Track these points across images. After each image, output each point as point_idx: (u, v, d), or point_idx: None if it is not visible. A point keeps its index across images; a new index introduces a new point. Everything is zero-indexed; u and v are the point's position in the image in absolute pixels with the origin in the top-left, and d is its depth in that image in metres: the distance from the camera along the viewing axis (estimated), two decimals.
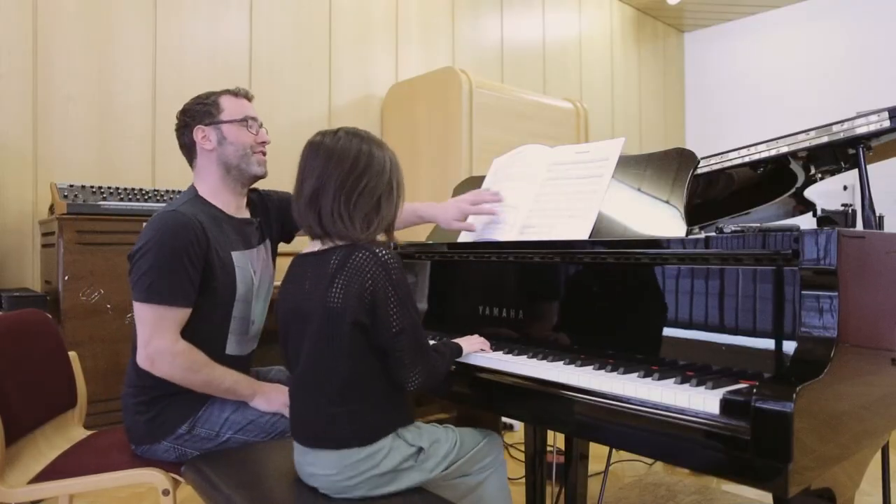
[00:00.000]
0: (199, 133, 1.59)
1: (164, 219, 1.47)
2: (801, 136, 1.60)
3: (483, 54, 4.45)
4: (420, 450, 1.28)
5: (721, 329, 1.15)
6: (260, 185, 1.73)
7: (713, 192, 1.97)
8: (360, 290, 1.20)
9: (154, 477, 1.47)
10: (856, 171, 1.57)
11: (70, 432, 1.71)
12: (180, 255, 1.44)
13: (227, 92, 1.64)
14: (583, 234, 1.47)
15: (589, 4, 5.27)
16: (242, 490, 1.29)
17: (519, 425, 3.19)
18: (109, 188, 2.53)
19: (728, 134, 5.73)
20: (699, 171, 1.78)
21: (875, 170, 1.63)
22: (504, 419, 3.04)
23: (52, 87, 2.73)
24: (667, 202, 1.41)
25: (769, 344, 1.08)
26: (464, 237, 1.78)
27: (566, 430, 1.43)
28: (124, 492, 2.34)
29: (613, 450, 1.79)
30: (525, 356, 1.38)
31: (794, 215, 2.10)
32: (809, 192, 1.99)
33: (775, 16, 5.66)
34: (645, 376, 1.15)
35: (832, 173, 1.85)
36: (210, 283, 1.50)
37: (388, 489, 1.25)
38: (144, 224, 1.51)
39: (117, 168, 2.90)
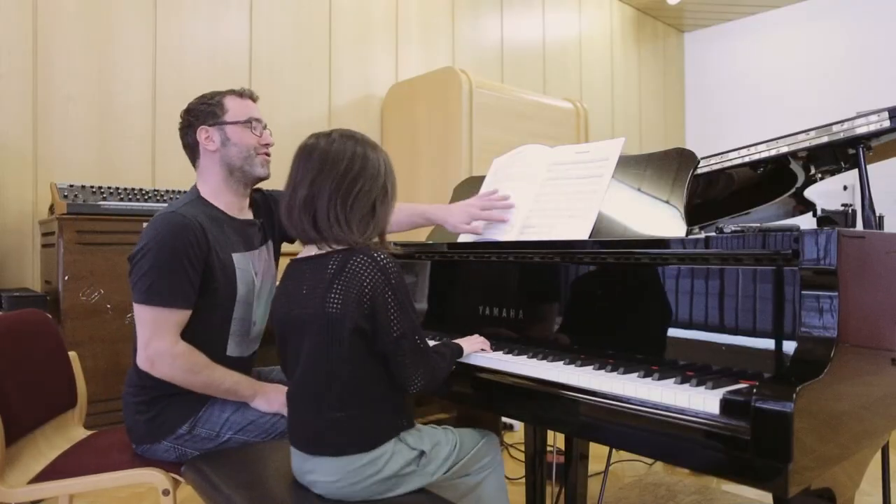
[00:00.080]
0: (203, 133, 1.59)
1: (165, 220, 1.47)
2: (801, 136, 1.60)
3: (483, 54, 4.45)
4: (422, 453, 1.28)
5: (721, 329, 1.15)
6: (260, 184, 1.73)
7: (713, 192, 1.97)
8: (358, 295, 1.19)
9: (154, 477, 1.47)
10: (856, 171, 1.57)
11: (70, 432, 1.71)
12: (180, 256, 1.44)
13: (232, 92, 1.64)
14: (583, 234, 1.47)
15: (589, 4, 5.27)
16: (242, 490, 1.29)
17: (519, 425, 3.19)
18: (109, 188, 2.53)
19: (728, 134, 5.73)
20: (699, 171, 1.78)
21: (875, 170, 1.63)
22: (504, 419, 3.04)
23: (52, 87, 2.73)
24: (667, 202, 1.41)
25: (769, 344, 1.08)
26: (464, 237, 1.77)
27: (566, 430, 1.43)
28: (124, 492, 2.34)
29: (613, 450, 1.79)
30: (525, 356, 1.38)
31: (794, 215, 2.10)
32: (809, 192, 1.99)
33: (775, 16, 5.66)
34: (645, 376, 1.15)
35: (832, 173, 1.85)
36: (210, 285, 1.50)
37: (390, 494, 1.24)
38: (145, 225, 1.51)
39: (117, 168, 2.90)
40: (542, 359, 1.34)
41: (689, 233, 1.33)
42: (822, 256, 1.02)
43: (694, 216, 1.65)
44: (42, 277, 2.67)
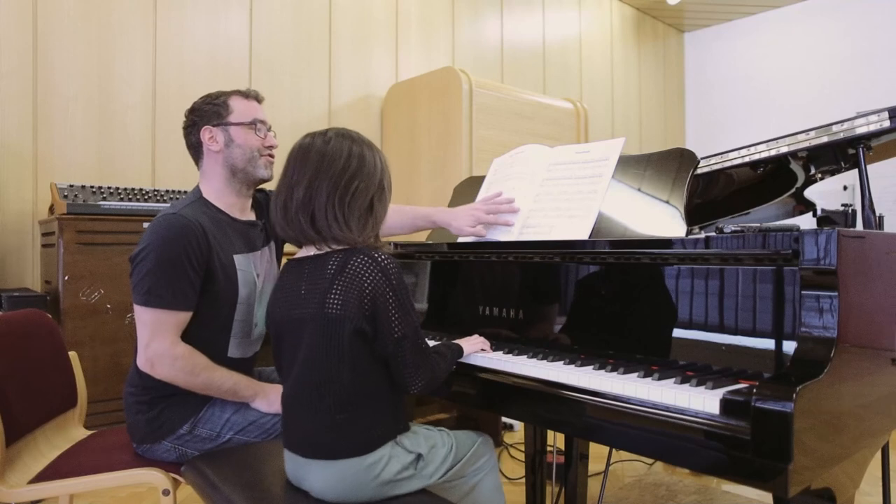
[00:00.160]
0: (207, 133, 1.59)
1: (166, 222, 1.47)
2: (801, 136, 1.60)
3: (483, 54, 4.45)
4: (419, 456, 1.27)
5: (721, 329, 1.15)
6: (263, 185, 1.73)
7: (713, 192, 1.97)
8: (359, 296, 1.18)
9: (154, 477, 1.47)
10: (856, 171, 1.57)
11: (70, 432, 1.71)
12: (181, 258, 1.43)
13: (238, 93, 1.63)
14: (583, 234, 1.47)
15: (589, 4, 5.27)
16: (242, 490, 1.28)
17: (519, 425, 3.19)
18: (109, 188, 2.53)
19: (728, 134, 5.74)
20: (699, 171, 1.78)
21: (875, 170, 1.63)
22: (504, 419, 3.04)
23: (52, 87, 2.73)
24: (667, 202, 1.41)
25: (769, 344, 1.08)
26: (464, 237, 1.77)
27: (566, 430, 1.43)
28: (124, 492, 2.34)
29: (613, 450, 1.79)
30: (525, 356, 1.38)
31: (794, 215, 2.10)
32: (809, 192, 1.99)
33: (775, 16, 5.66)
34: (645, 376, 1.15)
35: (832, 173, 1.85)
36: (211, 287, 1.50)
37: (389, 496, 1.24)
38: (145, 225, 1.51)
39: (117, 168, 2.90)
40: (542, 359, 1.34)
41: (689, 233, 1.34)
42: (822, 256, 1.02)
43: (694, 216, 1.65)
44: (42, 277, 2.67)
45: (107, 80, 2.88)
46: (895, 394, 1.19)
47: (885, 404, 1.17)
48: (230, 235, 1.58)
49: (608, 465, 1.92)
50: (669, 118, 6.12)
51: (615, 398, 1.12)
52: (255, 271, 1.61)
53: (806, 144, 1.59)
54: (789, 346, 1.05)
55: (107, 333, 2.37)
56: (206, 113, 1.59)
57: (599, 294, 1.37)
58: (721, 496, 2.37)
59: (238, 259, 1.57)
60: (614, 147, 1.57)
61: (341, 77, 3.70)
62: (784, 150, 1.64)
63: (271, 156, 1.65)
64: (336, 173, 1.24)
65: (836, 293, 1.00)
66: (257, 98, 1.66)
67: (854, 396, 1.06)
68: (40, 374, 1.61)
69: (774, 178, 1.90)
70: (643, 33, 5.84)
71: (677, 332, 1.21)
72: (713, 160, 1.80)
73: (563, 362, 1.30)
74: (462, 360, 1.41)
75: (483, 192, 1.84)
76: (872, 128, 1.48)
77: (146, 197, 2.58)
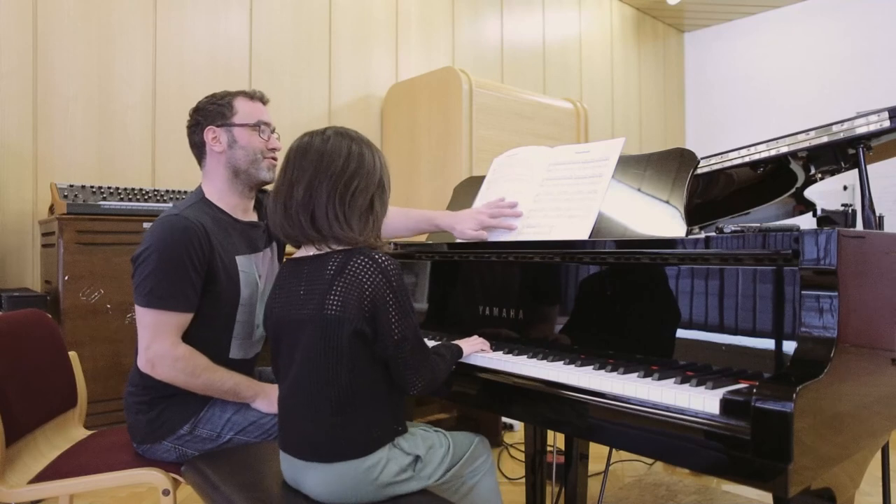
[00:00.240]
0: (210, 134, 1.58)
1: (168, 223, 1.47)
2: (801, 136, 1.60)
3: (483, 54, 4.45)
4: (417, 458, 1.27)
5: (721, 329, 1.15)
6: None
7: (713, 192, 1.97)
8: (359, 297, 1.18)
9: (154, 477, 1.47)
10: (856, 171, 1.58)
11: (70, 432, 1.71)
12: (183, 260, 1.43)
13: (243, 93, 1.62)
14: (583, 233, 1.47)
15: (589, 4, 5.27)
16: (242, 490, 1.28)
17: (519, 425, 3.19)
18: (109, 188, 2.53)
19: (728, 134, 5.74)
20: (699, 171, 1.78)
21: (875, 170, 1.63)
22: (504, 419, 3.04)
23: (52, 87, 2.73)
24: (667, 202, 1.41)
25: (769, 344, 1.08)
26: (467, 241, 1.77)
27: (566, 430, 1.43)
28: (124, 492, 2.34)
29: (613, 450, 1.79)
30: (525, 356, 1.38)
31: (794, 215, 2.10)
32: (809, 192, 1.99)
33: (775, 16, 5.66)
34: (645, 376, 1.15)
35: (832, 173, 1.85)
36: (213, 288, 1.50)
37: (387, 498, 1.23)
38: (149, 225, 1.51)
39: (117, 168, 2.90)
40: (542, 359, 1.34)
41: (689, 233, 1.34)
42: (822, 256, 1.02)
43: (694, 216, 1.65)
44: (42, 277, 2.67)
45: (107, 80, 2.88)
46: (895, 394, 1.19)
47: (885, 404, 1.17)
48: (232, 236, 1.58)
49: (608, 465, 1.92)
50: (669, 118, 6.12)
51: (615, 398, 1.12)
52: (257, 272, 1.60)
53: (806, 144, 1.59)
54: (789, 346, 1.05)
55: (107, 333, 2.37)
56: (211, 113, 1.59)
57: (599, 294, 1.37)
58: (721, 496, 2.37)
59: (240, 260, 1.57)
60: (614, 147, 1.57)
61: (341, 77, 3.70)
62: (784, 150, 1.64)
63: (274, 158, 1.64)
64: (336, 172, 1.23)
65: (836, 293, 1.00)
66: (262, 99, 1.65)
67: (854, 396, 1.06)
68: (40, 374, 1.61)
69: (774, 178, 1.90)
70: (643, 33, 5.84)
71: (677, 332, 1.21)
72: (713, 160, 1.80)
73: (563, 362, 1.30)
74: (462, 360, 1.41)
75: (483, 192, 1.84)
76: (872, 128, 1.48)
77: (146, 197, 2.58)
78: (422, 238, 2.06)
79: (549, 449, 2.06)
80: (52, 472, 1.47)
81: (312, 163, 1.24)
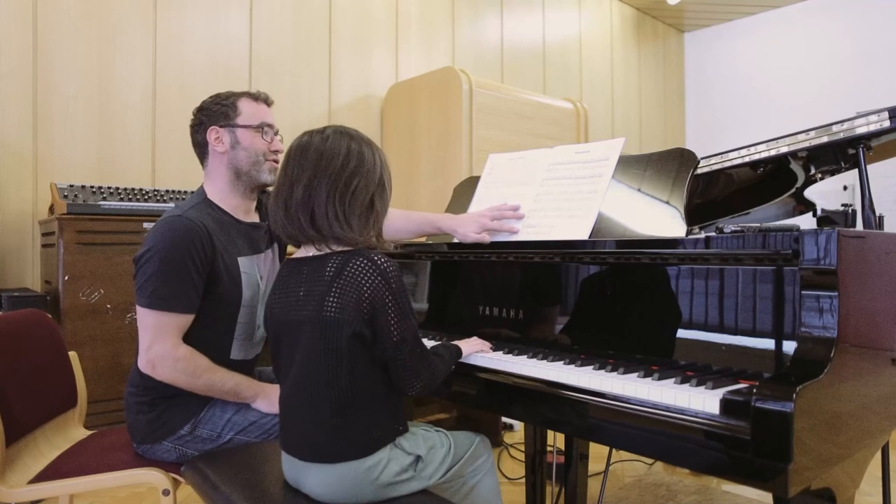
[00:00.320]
0: (213, 134, 1.58)
1: (171, 224, 1.47)
2: (801, 136, 1.60)
3: (483, 54, 4.45)
4: (418, 458, 1.27)
5: (721, 329, 1.15)
6: None
7: (713, 192, 1.97)
8: (357, 299, 1.17)
9: (154, 477, 1.47)
10: (856, 171, 1.58)
11: (70, 432, 1.71)
12: (185, 261, 1.43)
13: (248, 94, 1.62)
14: (583, 234, 1.47)
15: (589, 4, 5.27)
16: (242, 490, 1.28)
17: (519, 425, 3.19)
18: (109, 188, 2.53)
19: (728, 134, 5.74)
20: (699, 171, 1.78)
21: (875, 170, 1.63)
22: (504, 419, 3.04)
23: (52, 87, 2.73)
24: (667, 202, 1.41)
25: (769, 344, 1.08)
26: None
27: (566, 430, 1.43)
28: (124, 492, 2.34)
29: (613, 450, 1.79)
30: (525, 356, 1.38)
31: (794, 215, 2.10)
32: (809, 192, 1.99)
33: (775, 16, 5.66)
34: (645, 376, 1.15)
35: (832, 173, 1.85)
36: (215, 290, 1.50)
37: (388, 498, 1.23)
38: (152, 226, 1.51)
39: (117, 168, 2.90)
40: (542, 359, 1.34)
41: (689, 233, 1.34)
42: (822, 256, 1.02)
43: (694, 216, 1.65)
44: (42, 277, 2.67)
45: (107, 80, 2.88)
46: (895, 394, 1.19)
47: (884, 404, 1.17)
48: (234, 238, 1.58)
49: (608, 465, 1.92)
50: (669, 118, 6.12)
51: (615, 398, 1.12)
52: (258, 273, 1.60)
53: (806, 144, 1.59)
54: (789, 346, 1.05)
55: (107, 333, 2.37)
56: (214, 113, 1.58)
57: (599, 294, 1.37)
58: (721, 496, 2.37)
59: (242, 261, 1.57)
60: (614, 147, 1.56)
61: (341, 77, 3.70)
62: (784, 150, 1.64)
63: (276, 161, 1.63)
64: (335, 171, 1.22)
65: (836, 293, 1.00)
66: (266, 101, 1.65)
67: (854, 396, 1.06)
68: (40, 374, 1.61)
69: (774, 178, 1.90)
70: (643, 33, 5.84)
71: (677, 332, 1.21)
72: (713, 160, 1.80)
73: (563, 362, 1.30)
74: (462, 360, 1.41)
75: (480, 191, 1.84)
76: (872, 128, 1.48)
77: (146, 197, 2.58)
78: (422, 238, 2.06)
79: (549, 449, 2.06)
80: (52, 472, 1.47)
81: (312, 162, 1.24)
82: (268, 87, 3.32)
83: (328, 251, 1.24)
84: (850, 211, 1.79)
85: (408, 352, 1.22)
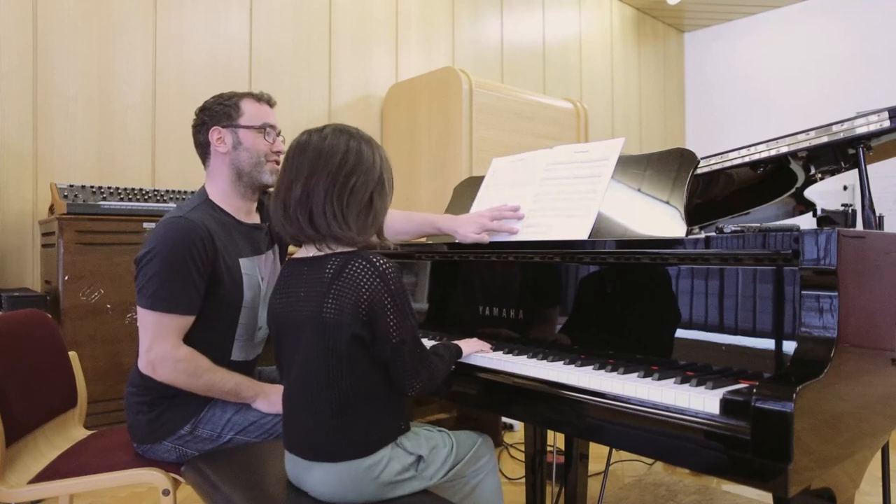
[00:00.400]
0: (215, 134, 1.58)
1: (173, 225, 1.46)
2: (801, 136, 1.60)
3: (483, 54, 4.45)
4: (419, 458, 1.27)
5: (721, 329, 1.15)
6: None
7: (713, 192, 1.97)
8: (355, 301, 1.17)
9: (154, 477, 1.47)
10: (856, 171, 1.58)
11: (70, 432, 1.71)
12: (186, 262, 1.43)
13: (250, 95, 1.62)
14: (582, 233, 1.47)
15: (589, 4, 5.27)
16: (242, 490, 1.28)
17: (519, 425, 3.19)
18: (109, 188, 2.53)
19: (728, 134, 5.74)
20: (699, 171, 1.78)
21: (875, 170, 1.63)
22: (504, 419, 3.04)
23: (52, 87, 2.73)
24: (667, 202, 1.41)
25: (769, 344, 1.08)
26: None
27: (566, 430, 1.43)
28: (124, 492, 2.34)
29: (613, 450, 1.79)
30: (525, 356, 1.38)
31: (794, 215, 2.10)
32: (809, 192, 1.99)
33: (775, 16, 5.66)
34: (645, 376, 1.15)
35: (832, 173, 1.85)
36: (216, 291, 1.49)
37: (389, 497, 1.23)
38: (153, 226, 1.51)
39: (117, 168, 2.90)
40: (542, 359, 1.34)
41: (689, 233, 1.33)
42: (822, 256, 1.02)
43: (694, 216, 1.65)
44: (42, 277, 2.67)
45: (107, 80, 2.88)
46: (895, 394, 1.19)
47: (884, 404, 1.17)
48: (236, 239, 1.58)
49: (608, 465, 1.92)
50: (669, 118, 6.12)
51: (615, 398, 1.12)
52: (259, 275, 1.60)
53: (806, 144, 1.59)
54: (789, 346, 1.05)
55: (107, 333, 2.37)
56: (217, 113, 1.58)
57: (599, 294, 1.37)
58: (721, 496, 2.37)
59: (244, 262, 1.57)
60: (614, 147, 1.56)
61: (341, 77, 3.70)
62: (784, 150, 1.64)
63: (277, 161, 1.63)
64: (333, 169, 1.22)
65: (836, 293, 1.00)
66: (269, 102, 1.65)
67: (854, 396, 1.06)
68: (40, 374, 1.61)
69: (774, 178, 1.90)
70: (643, 33, 5.84)
71: (677, 332, 1.21)
72: (713, 160, 1.80)
73: (563, 362, 1.30)
74: (462, 360, 1.41)
75: (482, 193, 1.84)
76: (872, 128, 1.48)
77: (146, 197, 2.58)
78: (422, 238, 2.06)
79: (549, 449, 2.06)
80: (52, 472, 1.47)
81: (310, 160, 1.23)
82: (268, 87, 3.32)
83: (328, 251, 1.24)
84: (850, 211, 1.79)
85: (407, 352, 1.22)
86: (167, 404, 1.50)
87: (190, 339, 1.47)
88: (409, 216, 1.79)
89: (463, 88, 3.32)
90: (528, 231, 1.60)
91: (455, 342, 1.42)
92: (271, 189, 1.69)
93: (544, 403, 1.25)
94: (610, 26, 5.49)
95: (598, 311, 1.37)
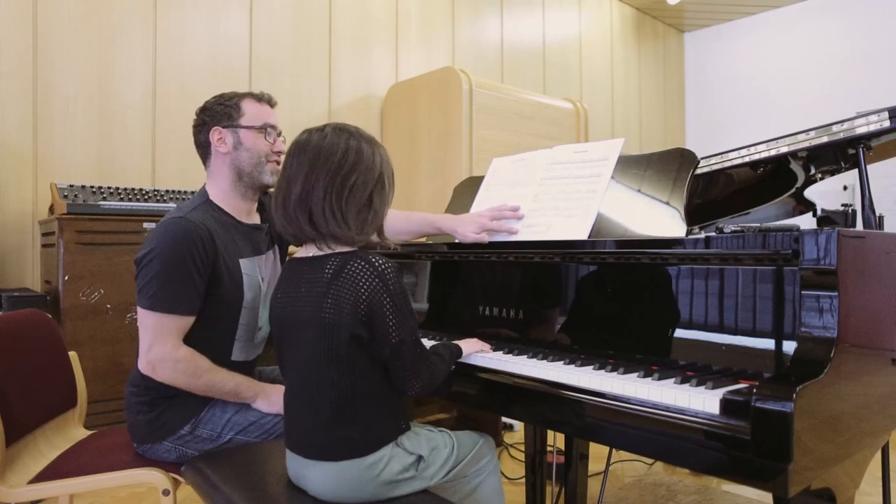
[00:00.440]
0: (216, 134, 1.58)
1: (173, 225, 1.46)
2: (801, 136, 1.60)
3: (483, 54, 4.45)
4: (420, 458, 1.27)
5: (721, 329, 1.15)
6: None
7: (713, 192, 1.97)
8: (354, 301, 1.17)
9: (154, 477, 1.47)
10: (856, 171, 1.58)
11: (70, 432, 1.71)
12: (186, 263, 1.43)
13: (251, 95, 1.62)
14: (581, 233, 1.47)
15: (589, 4, 5.27)
16: (242, 490, 1.28)
17: (519, 425, 3.19)
18: (109, 188, 2.53)
19: (728, 134, 5.74)
20: (699, 171, 1.78)
21: (875, 170, 1.63)
22: (504, 419, 3.04)
23: (52, 87, 2.73)
24: (667, 203, 1.41)
25: (769, 344, 1.08)
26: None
27: (566, 430, 1.43)
28: (124, 492, 2.34)
29: (613, 450, 1.79)
30: (525, 356, 1.38)
31: (794, 215, 2.10)
32: (809, 192, 1.99)
33: (775, 16, 5.66)
34: (645, 376, 1.15)
35: (832, 173, 1.85)
36: (217, 291, 1.49)
37: (389, 497, 1.23)
38: (154, 226, 1.51)
39: (117, 168, 2.90)
40: (542, 359, 1.34)
41: (689, 233, 1.33)
42: (822, 256, 1.02)
43: (694, 216, 1.65)
44: (42, 277, 2.67)
45: (107, 80, 2.88)
46: (895, 394, 1.19)
47: (884, 404, 1.17)
48: (236, 239, 1.58)
49: (608, 465, 1.92)
50: (669, 118, 6.12)
51: (615, 398, 1.12)
52: (259, 275, 1.60)
53: (806, 144, 1.59)
54: (789, 346, 1.05)
55: (107, 333, 2.37)
56: (217, 114, 1.58)
57: (599, 294, 1.37)
58: (721, 496, 2.37)
59: (244, 263, 1.57)
60: (613, 147, 1.56)
61: (341, 77, 3.70)
62: (784, 150, 1.64)
63: (278, 162, 1.63)
64: (333, 168, 1.22)
65: (836, 293, 1.00)
66: (270, 102, 1.65)
67: (854, 396, 1.06)
68: (40, 374, 1.61)
69: (774, 178, 1.90)
70: (643, 33, 5.84)
71: (677, 332, 1.21)
72: (713, 160, 1.80)
73: (563, 362, 1.30)
74: (462, 360, 1.41)
75: (482, 193, 1.84)
76: (872, 128, 1.48)
77: (146, 197, 2.58)
78: (422, 238, 2.06)
79: (549, 449, 2.06)
80: (52, 472, 1.47)
81: (310, 158, 1.23)
82: (268, 87, 3.31)
83: (328, 251, 1.24)
84: (850, 211, 1.79)
85: (407, 352, 1.22)
86: (167, 404, 1.50)
87: (190, 339, 1.47)
88: (408, 216, 1.79)
89: (463, 88, 3.32)
90: (528, 231, 1.60)
91: (455, 342, 1.42)
92: (272, 189, 1.69)
93: (544, 403, 1.25)
94: (610, 26, 5.49)
95: (598, 311, 1.37)
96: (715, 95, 6.05)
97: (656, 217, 1.41)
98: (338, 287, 1.19)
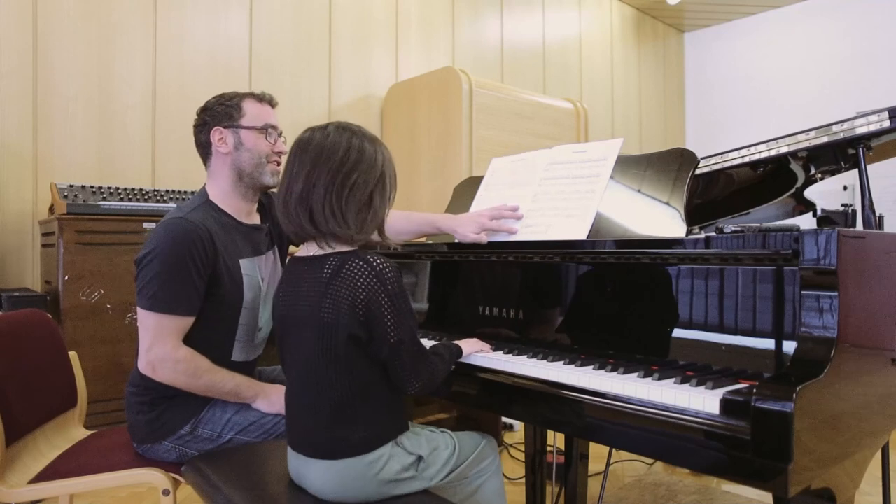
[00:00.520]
0: (217, 134, 1.58)
1: (173, 226, 1.46)
2: (801, 136, 1.60)
3: (483, 54, 4.45)
4: (419, 458, 1.27)
5: (721, 329, 1.15)
6: None
7: (713, 192, 1.97)
8: (352, 301, 1.17)
9: (154, 477, 1.48)
10: (856, 171, 1.58)
11: (70, 432, 1.71)
12: (186, 263, 1.43)
13: (252, 95, 1.62)
14: (580, 233, 1.47)
15: (589, 4, 5.27)
16: (242, 490, 1.28)
17: (519, 425, 3.19)
18: (109, 188, 2.54)
19: (728, 134, 5.74)
20: (699, 171, 1.78)
21: (875, 170, 1.63)
22: (504, 419, 3.04)
23: (52, 87, 2.73)
24: (667, 203, 1.41)
25: (769, 344, 1.08)
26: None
27: (566, 430, 1.43)
28: (124, 492, 2.34)
29: (613, 450, 1.79)
30: (525, 356, 1.38)
31: (794, 215, 2.10)
32: (809, 192, 1.99)
33: (775, 16, 5.66)
34: (645, 376, 1.15)
35: (832, 173, 1.85)
36: (217, 292, 1.49)
37: (389, 496, 1.23)
38: (154, 227, 1.51)
39: (117, 168, 2.90)
40: (542, 359, 1.34)
41: (689, 233, 1.33)
42: (822, 256, 1.02)
43: (694, 216, 1.65)
44: (42, 277, 2.67)
45: (107, 80, 2.88)
46: (895, 394, 1.19)
47: (884, 404, 1.17)
48: (236, 239, 1.58)
49: (608, 465, 1.92)
50: (669, 118, 6.12)
51: (615, 398, 1.12)
52: (260, 275, 1.60)
53: (806, 144, 1.59)
54: (789, 346, 1.05)
55: (107, 333, 2.37)
56: (218, 114, 1.58)
57: (599, 294, 1.37)
58: (721, 496, 2.37)
59: (244, 263, 1.57)
60: (613, 147, 1.56)
61: (341, 77, 3.70)
62: (784, 150, 1.64)
63: (279, 162, 1.63)
64: (334, 167, 1.22)
65: (836, 293, 1.00)
66: (271, 102, 1.65)
67: (854, 396, 1.06)
68: (40, 374, 1.61)
69: (774, 178, 1.90)
70: (643, 33, 5.84)
71: (677, 332, 1.21)
72: (713, 160, 1.80)
73: (563, 362, 1.30)
74: (462, 359, 1.41)
75: (481, 193, 1.84)
76: (872, 128, 1.48)
77: (146, 197, 2.58)
78: (422, 238, 2.06)
79: (549, 449, 2.06)
80: (52, 472, 1.47)
81: (311, 157, 1.23)
82: (268, 87, 3.31)
83: (329, 250, 1.24)
84: (850, 211, 1.79)
85: (406, 352, 1.22)
86: (167, 404, 1.50)
87: (190, 339, 1.47)
88: (408, 216, 1.79)
89: (463, 88, 3.32)
90: (527, 231, 1.60)
91: (455, 342, 1.42)
92: (272, 190, 1.69)
93: (544, 403, 1.25)
94: (610, 26, 5.49)
95: (597, 311, 1.37)
96: (715, 95, 6.05)
97: (656, 217, 1.41)
98: (336, 287, 1.19)
